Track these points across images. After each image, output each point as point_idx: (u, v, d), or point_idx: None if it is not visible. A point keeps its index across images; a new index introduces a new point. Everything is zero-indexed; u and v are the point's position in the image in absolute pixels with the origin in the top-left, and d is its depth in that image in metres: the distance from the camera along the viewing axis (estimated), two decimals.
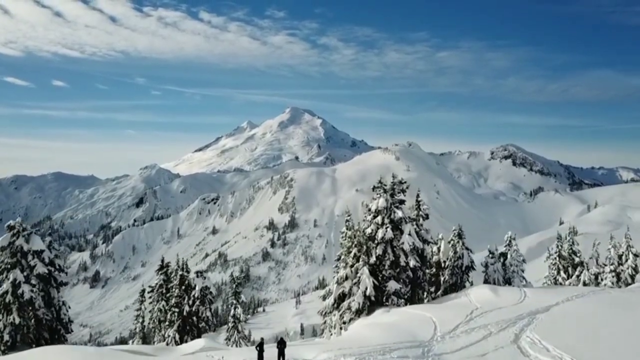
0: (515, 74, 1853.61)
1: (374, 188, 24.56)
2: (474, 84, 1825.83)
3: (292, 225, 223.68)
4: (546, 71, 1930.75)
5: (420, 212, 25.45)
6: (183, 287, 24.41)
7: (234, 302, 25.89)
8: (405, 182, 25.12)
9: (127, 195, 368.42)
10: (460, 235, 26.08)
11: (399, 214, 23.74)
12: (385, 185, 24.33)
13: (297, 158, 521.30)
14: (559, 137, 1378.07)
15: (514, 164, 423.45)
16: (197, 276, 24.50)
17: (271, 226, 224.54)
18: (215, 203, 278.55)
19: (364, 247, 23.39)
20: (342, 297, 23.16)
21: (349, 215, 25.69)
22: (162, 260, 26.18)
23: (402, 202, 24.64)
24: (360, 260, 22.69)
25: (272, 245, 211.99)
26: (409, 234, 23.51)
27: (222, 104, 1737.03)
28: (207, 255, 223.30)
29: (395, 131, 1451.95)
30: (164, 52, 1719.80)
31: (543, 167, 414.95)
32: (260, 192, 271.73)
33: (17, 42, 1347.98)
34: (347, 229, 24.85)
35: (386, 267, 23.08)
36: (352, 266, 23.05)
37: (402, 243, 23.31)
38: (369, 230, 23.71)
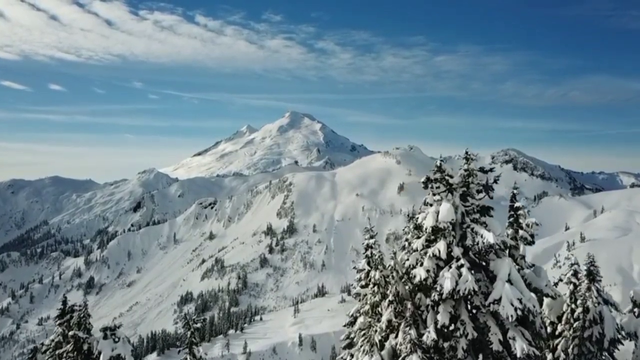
0: (514, 78, 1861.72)
1: (426, 182, 11.56)
2: (472, 89, 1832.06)
3: (291, 230, 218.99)
4: (544, 75, 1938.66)
5: (522, 233, 12.65)
6: (81, 356, 12.93)
7: (188, 356, 12.98)
8: (492, 170, 12.28)
9: (124, 199, 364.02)
10: (592, 276, 13.68)
11: (487, 237, 10.98)
12: (451, 177, 11.61)
13: (296, 162, 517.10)
14: (559, 141, 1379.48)
15: (515, 168, 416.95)
16: (105, 337, 12.97)
17: (269, 231, 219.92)
18: (212, 208, 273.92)
19: (409, 307, 10.97)
20: None
21: (371, 237, 12.51)
22: (64, 303, 13.89)
23: (487, 210, 12.02)
24: (402, 335, 10.37)
25: (270, 251, 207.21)
26: (510, 281, 10.46)
27: (220, 108, 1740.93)
28: (203, 261, 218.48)
29: (395, 136, 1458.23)
30: (161, 56, 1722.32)
31: (544, 172, 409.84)
32: (258, 197, 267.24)
33: (13, 46, 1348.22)
34: (369, 264, 12.18)
35: (459, 354, 10.16)
36: (382, 347, 10.87)
37: (497, 301, 10.22)
38: (421, 273, 10.61)
